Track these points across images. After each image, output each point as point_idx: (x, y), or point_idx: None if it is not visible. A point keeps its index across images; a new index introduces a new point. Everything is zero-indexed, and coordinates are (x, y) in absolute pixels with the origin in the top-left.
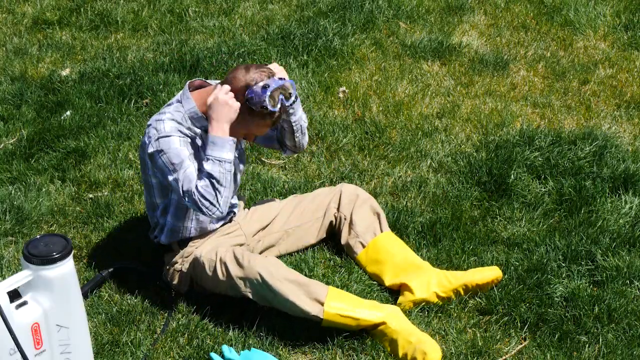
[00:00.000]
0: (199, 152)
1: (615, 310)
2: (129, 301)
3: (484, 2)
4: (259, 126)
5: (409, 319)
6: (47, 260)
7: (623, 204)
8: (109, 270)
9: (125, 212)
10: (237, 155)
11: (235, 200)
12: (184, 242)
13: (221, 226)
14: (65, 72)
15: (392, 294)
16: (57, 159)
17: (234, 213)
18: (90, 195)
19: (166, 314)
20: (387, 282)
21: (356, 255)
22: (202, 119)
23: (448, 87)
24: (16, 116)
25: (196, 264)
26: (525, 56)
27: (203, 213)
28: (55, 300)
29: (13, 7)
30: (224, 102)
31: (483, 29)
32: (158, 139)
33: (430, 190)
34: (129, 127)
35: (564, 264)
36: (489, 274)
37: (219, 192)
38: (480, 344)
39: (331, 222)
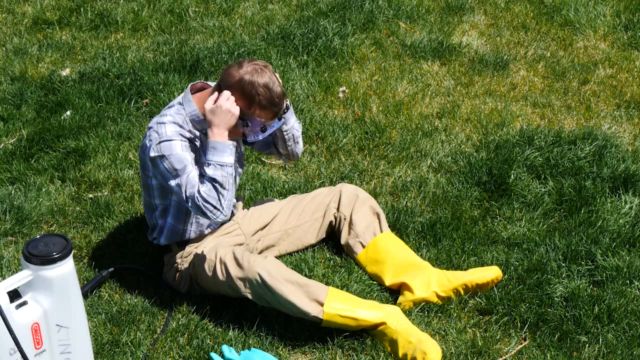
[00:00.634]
0: (198, 155)
1: (615, 310)
2: (129, 301)
3: (484, 2)
4: (256, 125)
5: (409, 319)
6: (47, 260)
7: (623, 204)
8: (109, 270)
9: (125, 212)
10: (236, 158)
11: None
12: (183, 243)
13: (220, 225)
14: (65, 72)
15: (392, 294)
16: (57, 159)
17: (232, 213)
18: (90, 195)
19: (166, 314)
20: (387, 281)
21: (356, 255)
22: (203, 122)
23: (448, 87)
24: (16, 116)
25: (196, 264)
26: (525, 56)
27: (207, 217)
28: (55, 300)
29: (13, 7)
30: (227, 110)
31: (483, 29)
32: (160, 143)
33: (430, 190)
34: (129, 127)
35: (564, 264)
36: (489, 273)
37: (222, 195)
38: (480, 344)
39: (331, 222)
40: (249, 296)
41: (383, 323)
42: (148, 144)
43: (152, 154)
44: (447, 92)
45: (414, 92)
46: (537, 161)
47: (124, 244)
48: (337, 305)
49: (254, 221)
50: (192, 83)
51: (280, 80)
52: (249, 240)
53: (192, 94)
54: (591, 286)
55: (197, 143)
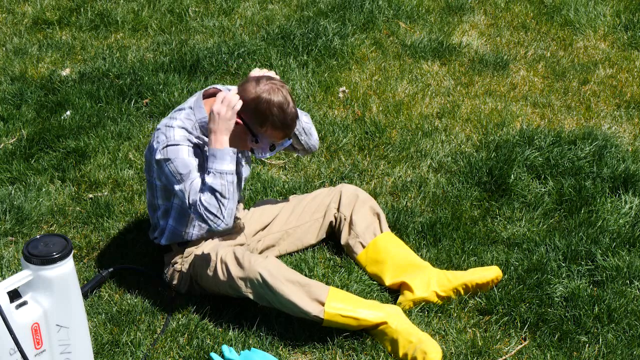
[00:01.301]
0: (205, 161)
1: (615, 310)
2: (129, 301)
3: (484, 2)
4: (265, 143)
5: (409, 319)
6: (47, 260)
7: (623, 204)
8: (109, 270)
9: (125, 212)
10: (243, 163)
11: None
12: (184, 244)
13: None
14: (65, 72)
15: (392, 293)
16: (57, 159)
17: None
18: (90, 195)
19: (166, 314)
20: (387, 281)
21: (356, 255)
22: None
23: (448, 87)
24: (16, 116)
25: (196, 264)
26: (525, 56)
27: (209, 225)
28: (55, 300)
29: (13, 7)
30: (217, 113)
31: (483, 29)
32: (167, 146)
33: (430, 190)
34: (129, 127)
35: (564, 264)
36: (489, 273)
37: (223, 204)
38: (480, 344)
39: (331, 222)
40: (250, 296)
41: (384, 322)
42: (155, 146)
43: (158, 156)
44: (447, 92)
45: (414, 92)
46: (537, 161)
47: (124, 244)
48: (338, 305)
49: (255, 221)
50: (205, 88)
51: (294, 102)
52: (249, 241)
53: (204, 99)
54: (591, 286)
55: (206, 149)
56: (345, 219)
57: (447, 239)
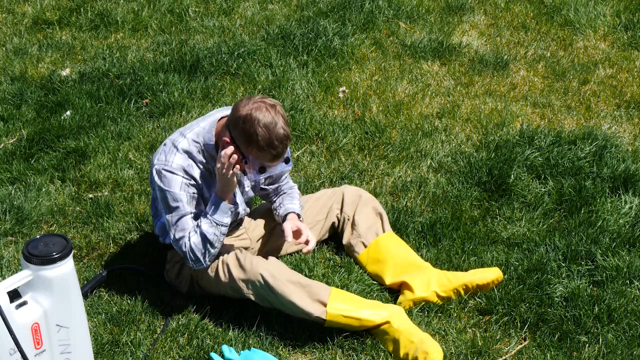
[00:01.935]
0: (207, 182)
1: (615, 310)
2: (129, 301)
3: (484, 2)
4: (255, 164)
5: (410, 319)
6: (47, 260)
7: (623, 204)
8: (109, 270)
9: (125, 212)
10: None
11: (245, 208)
12: None
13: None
14: (65, 72)
15: (392, 293)
16: (57, 159)
17: (242, 219)
18: (90, 195)
19: (166, 314)
20: (388, 281)
21: (357, 254)
22: (213, 150)
23: (448, 87)
24: (16, 116)
25: None
26: (525, 56)
27: (187, 262)
28: (55, 300)
29: (13, 7)
30: (221, 176)
31: (483, 29)
32: (163, 170)
33: (430, 190)
34: (129, 127)
35: (564, 264)
36: (490, 274)
37: (209, 251)
38: (480, 344)
39: (333, 223)
40: (252, 298)
41: (386, 322)
42: (156, 162)
43: (155, 177)
44: (447, 92)
45: (414, 92)
46: (537, 161)
47: (124, 244)
48: (340, 305)
49: (259, 226)
50: (223, 115)
51: (287, 123)
52: (254, 245)
53: (219, 120)
54: (591, 286)
55: (206, 173)
56: (348, 219)
57: (447, 239)
